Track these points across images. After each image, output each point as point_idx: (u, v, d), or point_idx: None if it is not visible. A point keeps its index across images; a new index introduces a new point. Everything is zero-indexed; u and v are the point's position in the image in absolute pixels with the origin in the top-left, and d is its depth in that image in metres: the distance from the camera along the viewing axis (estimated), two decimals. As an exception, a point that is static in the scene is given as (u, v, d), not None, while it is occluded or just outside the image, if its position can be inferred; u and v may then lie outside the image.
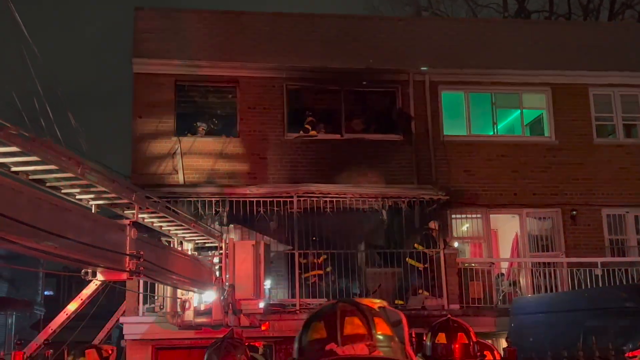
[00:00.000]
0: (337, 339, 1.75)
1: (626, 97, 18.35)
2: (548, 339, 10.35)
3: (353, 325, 1.78)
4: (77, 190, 6.28)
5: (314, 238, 15.34)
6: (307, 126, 16.86)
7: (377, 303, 1.88)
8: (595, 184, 17.43)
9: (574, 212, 17.16)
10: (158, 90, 16.36)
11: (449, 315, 3.84)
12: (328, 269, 15.03)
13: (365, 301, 1.87)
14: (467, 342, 3.60)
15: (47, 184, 5.87)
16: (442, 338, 3.61)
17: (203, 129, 16.56)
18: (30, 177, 5.58)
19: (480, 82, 17.84)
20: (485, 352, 4.09)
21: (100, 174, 6.21)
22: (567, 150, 17.64)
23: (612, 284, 15.18)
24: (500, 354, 4.25)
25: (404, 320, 1.89)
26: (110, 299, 14.97)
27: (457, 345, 3.57)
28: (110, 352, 4.51)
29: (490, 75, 17.69)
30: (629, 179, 17.50)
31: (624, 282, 15.35)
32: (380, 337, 1.77)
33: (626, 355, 7.96)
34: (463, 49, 17.51)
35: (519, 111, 18.36)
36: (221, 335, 4.03)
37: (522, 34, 18.34)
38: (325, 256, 15.06)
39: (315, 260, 15.01)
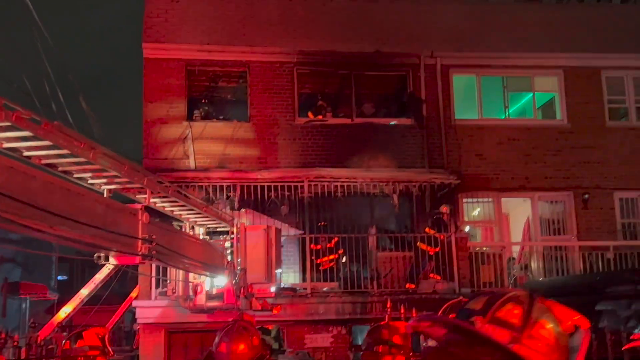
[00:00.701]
0: (487, 315, 1.71)
1: (639, 80, 18.19)
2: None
3: (511, 312, 1.71)
4: (89, 174, 6.30)
5: (322, 223, 15.35)
6: (309, 114, 16.83)
7: (575, 319, 1.73)
8: (608, 167, 17.33)
9: (586, 196, 17.09)
10: (168, 75, 16.37)
11: (461, 298, 3.83)
12: (340, 251, 15.05)
13: (562, 310, 1.76)
14: None
15: (60, 169, 5.89)
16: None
17: (197, 116, 16.56)
18: (43, 161, 5.60)
19: (492, 65, 17.72)
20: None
21: (112, 159, 6.22)
22: (579, 134, 17.54)
23: (624, 268, 15.14)
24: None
25: (584, 342, 1.74)
26: (123, 283, 15.10)
27: None
28: (102, 333, 4.56)
29: (502, 58, 17.57)
30: (642, 162, 17.38)
31: (636, 266, 15.31)
32: (534, 339, 1.67)
33: (631, 337, 7.95)
34: (475, 32, 17.38)
35: (530, 94, 18.26)
36: (232, 319, 4.05)
37: (534, 16, 18.15)
38: (337, 238, 15.07)
39: (328, 245, 15.02)
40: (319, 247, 14.98)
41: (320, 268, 14.87)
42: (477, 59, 17.52)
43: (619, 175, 17.34)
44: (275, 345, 4.93)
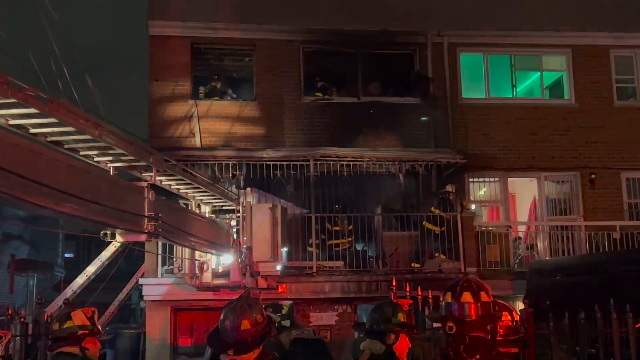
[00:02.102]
0: None
1: (648, 59, 18.05)
2: (565, 301, 10.35)
3: None
4: (95, 152, 6.30)
5: (337, 205, 15.34)
6: (318, 94, 16.78)
7: None
8: (615, 147, 17.24)
9: (593, 176, 17.03)
10: (174, 53, 16.30)
11: (469, 277, 3.79)
12: (351, 239, 15.07)
13: None
14: (488, 300, 3.54)
15: (66, 146, 5.88)
16: (467, 297, 3.54)
17: (205, 90, 16.50)
18: (49, 139, 5.60)
19: (500, 44, 17.59)
20: (503, 313, 4.09)
21: (118, 137, 6.21)
22: (587, 113, 17.44)
23: (630, 248, 15.11)
24: (519, 315, 4.24)
25: None
26: (129, 261, 15.17)
27: (475, 304, 3.51)
28: (91, 312, 4.56)
29: (509, 36, 17.42)
30: (650, 142, 17.29)
31: (643, 246, 15.28)
32: None
33: None
34: (482, 10, 17.19)
35: (538, 73, 18.12)
36: (238, 296, 4.07)
37: (543, -6, 17.97)
38: (352, 226, 15.07)
39: (349, 228, 15.02)
40: (337, 228, 14.98)
41: (335, 249, 14.87)
42: (485, 38, 17.39)
43: (627, 155, 17.25)
44: (287, 323, 4.95)
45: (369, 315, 4.68)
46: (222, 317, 3.67)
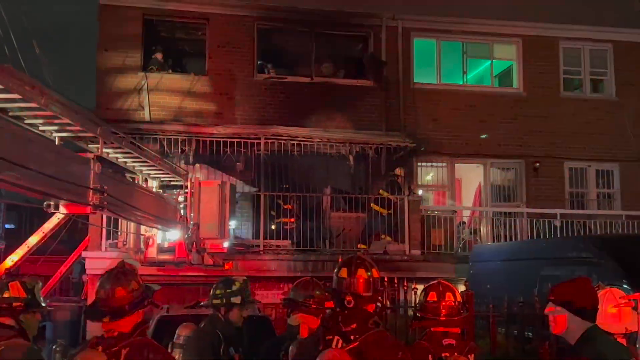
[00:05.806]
0: None
1: (595, 52, 18.50)
2: (505, 286, 10.60)
3: None
4: (41, 121, 6.13)
5: (285, 185, 15.34)
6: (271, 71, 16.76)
7: None
8: (560, 137, 17.66)
9: (537, 164, 17.43)
10: (125, 24, 15.97)
11: (357, 254, 4.16)
12: (292, 220, 15.09)
13: None
14: (367, 277, 3.91)
15: (10, 114, 5.71)
16: (362, 273, 3.92)
17: (156, 56, 16.26)
18: (-8, 105, 5.43)
19: (452, 31, 17.79)
20: (447, 294, 4.20)
21: (64, 106, 6.05)
22: (534, 103, 17.80)
23: (570, 235, 15.54)
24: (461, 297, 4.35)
25: None
26: (73, 234, 14.86)
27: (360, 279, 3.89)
28: (33, 284, 4.47)
29: (462, 24, 17.63)
30: (593, 133, 17.76)
31: (582, 234, 15.72)
32: None
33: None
34: (437, -4, 17.39)
35: (489, 62, 18.39)
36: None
37: (497, -16, 18.18)
38: (291, 205, 15.09)
39: (289, 206, 15.03)
40: (289, 207, 14.98)
41: (284, 227, 14.87)
42: (438, 24, 17.54)
43: (570, 145, 17.69)
44: (237, 300, 4.87)
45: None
46: (97, 287, 3.75)
